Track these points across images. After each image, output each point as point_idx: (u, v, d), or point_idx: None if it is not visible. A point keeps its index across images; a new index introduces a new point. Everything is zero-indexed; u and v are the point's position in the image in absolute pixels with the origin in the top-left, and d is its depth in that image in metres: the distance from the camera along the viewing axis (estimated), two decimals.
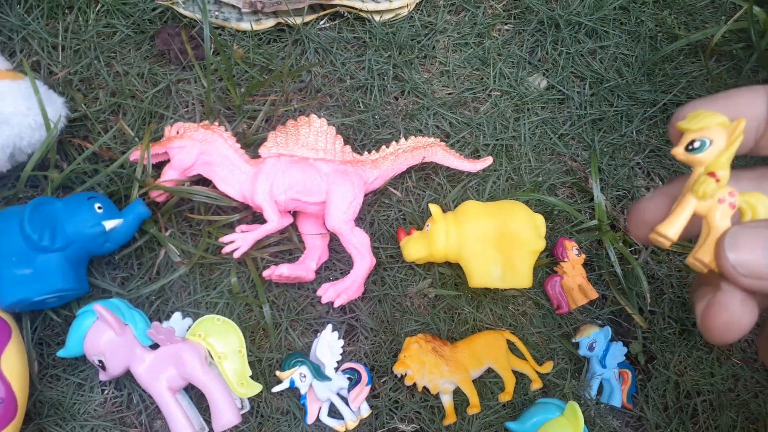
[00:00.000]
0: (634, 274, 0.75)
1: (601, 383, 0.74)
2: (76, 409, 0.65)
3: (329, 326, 0.67)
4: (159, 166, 0.67)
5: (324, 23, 0.79)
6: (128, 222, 0.62)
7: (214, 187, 0.67)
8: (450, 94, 0.80)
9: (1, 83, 0.62)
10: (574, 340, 0.73)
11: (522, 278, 0.67)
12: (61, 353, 0.61)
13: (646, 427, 0.75)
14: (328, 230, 0.70)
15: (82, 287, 0.62)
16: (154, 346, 0.62)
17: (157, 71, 0.74)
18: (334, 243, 0.72)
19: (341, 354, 0.67)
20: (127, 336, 0.61)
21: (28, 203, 0.58)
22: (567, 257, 0.73)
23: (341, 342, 0.67)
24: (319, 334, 0.68)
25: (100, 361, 0.60)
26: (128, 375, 0.64)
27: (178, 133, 0.66)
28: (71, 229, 0.59)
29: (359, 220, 0.72)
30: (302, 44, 0.78)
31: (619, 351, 0.73)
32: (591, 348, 0.72)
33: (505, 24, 0.84)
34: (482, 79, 0.81)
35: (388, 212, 0.75)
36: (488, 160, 0.74)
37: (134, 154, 0.66)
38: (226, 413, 0.60)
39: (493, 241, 0.68)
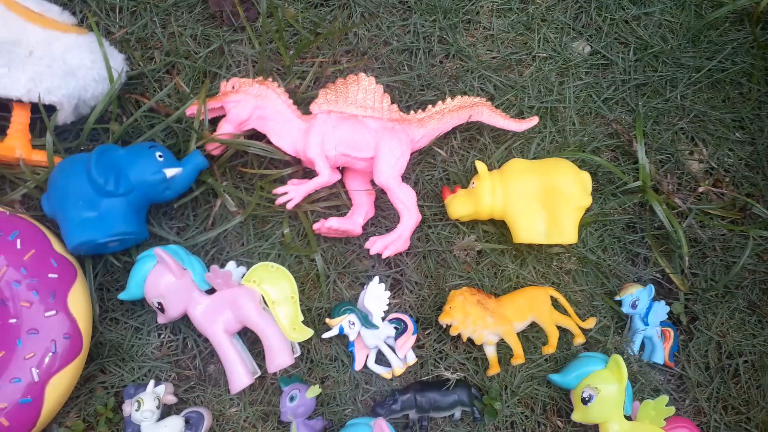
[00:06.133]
0: (677, 237, 0.76)
1: (643, 341, 0.74)
2: (134, 350, 0.67)
3: (376, 278, 0.69)
4: (214, 123, 0.70)
5: None
6: (187, 171, 0.64)
7: (268, 141, 0.69)
8: (494, 57, 0.80)
9: (69, 37, 0.64)
10: (617, 298, 0.74)
11: (568, 234, 0.68)
12: (122, 296, 0.64)
13: (687, 385, 0.76)
14: (375, 187, 0.71)
15: (142, 232, 0.65)
16: (211, 292, 0.65)
17: (209, 32, 0.76)
18: (380, 201, 0.73)
19: (387, 306, 0.69)
20: (186, 280, 0.63)
21: (94, 150, 0.61)
22: None
23: (388, 293, 0.69)
24: (366, 285, 0.70)
25: (160, 303, 0.63)
26: (183, 320, 0.67)
27: (233, 87, 0.68)
28: (134, 175, 0.62)
29: (405, 179, 0.74)
30: (349, 8, 0.79)
31: (661, 309, 0.74)
32: (634, 306, 0.72)
33: None
34: (526, 43, 0.82)
35: (433, 172, 0.76)
36: (534, 120, 0.74)
37: (191, 109, 0.68)
38: (280, 354, 0.62)
39: (538, 198, 0.69)
